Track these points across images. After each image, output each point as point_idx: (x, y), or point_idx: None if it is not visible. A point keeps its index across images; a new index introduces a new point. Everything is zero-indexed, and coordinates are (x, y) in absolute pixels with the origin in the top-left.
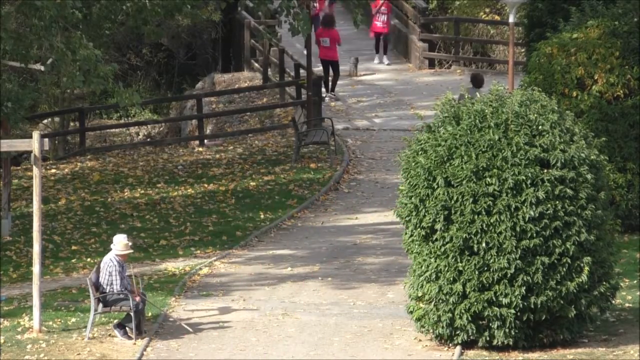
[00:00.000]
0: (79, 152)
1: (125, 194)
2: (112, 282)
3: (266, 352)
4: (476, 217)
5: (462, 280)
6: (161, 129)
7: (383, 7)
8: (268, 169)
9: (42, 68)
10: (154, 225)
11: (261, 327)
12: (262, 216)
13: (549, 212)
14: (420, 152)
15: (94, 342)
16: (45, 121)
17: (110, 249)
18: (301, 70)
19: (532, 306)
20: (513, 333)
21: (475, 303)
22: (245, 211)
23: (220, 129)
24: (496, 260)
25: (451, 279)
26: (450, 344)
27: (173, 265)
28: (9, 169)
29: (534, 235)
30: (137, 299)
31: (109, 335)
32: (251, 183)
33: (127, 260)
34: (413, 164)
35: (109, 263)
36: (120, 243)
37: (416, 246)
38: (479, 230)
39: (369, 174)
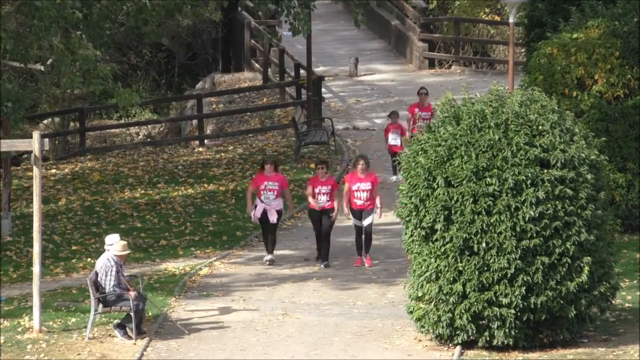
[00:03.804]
0: (79, 152)
1: (126, 194)
2: (107, 282)
3: (266, 352)
4: (476, 217)
5: (462, 280)
6: (161, 129)
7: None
8: None
9: (42, 68)
10: (154, 225)
11: (261, 327)
12: None
13: (549, 212)
14: (420, 152)
15: (94, 342)
16: (45, 121)
17: (105, 250)
18: (301, 71)
19: (532, 306)
20: (513, 333)
21: (475, 303)
22: (245, 211)
23: (221, 129)
24: (496, 260)
25: (451, 279)
26: (450, 344)
27: (173, 265)
28: (9, 169)
29: (534, 235)
30: (133, 294)
31: (109, 335)
32: None
33: (127, 260)
34: (413, 164)
35: (106, 263)
36: (119, 244)
37: (416, 246)
38: (479, 230)
39: None
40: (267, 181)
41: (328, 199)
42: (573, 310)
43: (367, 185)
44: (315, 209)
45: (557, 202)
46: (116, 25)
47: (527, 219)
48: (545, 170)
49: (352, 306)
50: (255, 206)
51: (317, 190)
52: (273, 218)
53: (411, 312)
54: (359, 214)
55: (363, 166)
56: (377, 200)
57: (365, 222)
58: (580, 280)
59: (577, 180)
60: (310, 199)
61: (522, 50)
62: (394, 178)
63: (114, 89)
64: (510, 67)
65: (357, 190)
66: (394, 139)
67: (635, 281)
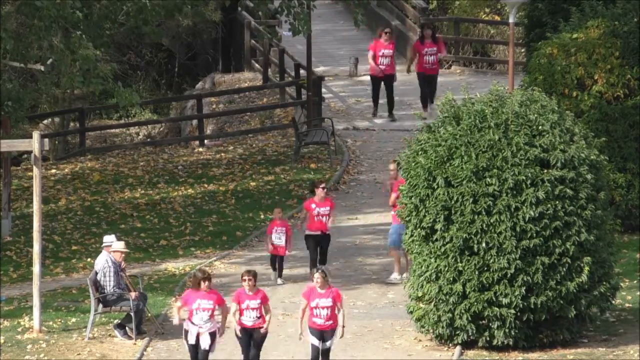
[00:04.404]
0: (79, 152)
1: (126, 194)
2: (107, 283)
3: (266, 352)
4: (476, 217)
5: (462, 280)
6: (161, 129)
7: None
8: (268, 169)
9: (42, 68)
10: (154, 225)
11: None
12: (262, 216)
13: (549, 212)
14: (420, 152)
15: (94, 342)
16: (45, 121)
17: (101, 250)
18: (301, 71)
19: (532, 306)
20: (513, 333)
21: (475, 303)
22: (245, 211)
23: (221, 129)
24: (496, 260)
25: (451, 279)
26: (450, 344)
27: (173, 265)
28: (9, 169)
29: (534, 235)
30: (134, 295)
31: (109, 335)
32: (251, 183)
33: (127, 260)
34: (413, 164)
35: (104, 264)
36: (115, 244)
37: (416, 246)
38: (479, 230)
39: (370, 174)
40: (200, 300)
41: (258, 315)
42: (573, 310)
43: (327, 302)
44: (244, 326)
45: (557, 202)
46: (116, 25)
47: (527, 219)
48: (545, 170)
49: (352, 306)
50: (186, 331)
51: (243, 306)
52: (206, 344)
53: (411, 312)
54: (319, 334)
55: (319, 280)
56: (340, 317)
57: (327, 345)
58: (580, 280)
59: (577, 180)
60: (234, 318)
61: (522, 50)
62: (280, 281)
63: (114, 89)
64: (510, 67)
65: (315, 308)
66: (278, 238)
67: (635, 281)
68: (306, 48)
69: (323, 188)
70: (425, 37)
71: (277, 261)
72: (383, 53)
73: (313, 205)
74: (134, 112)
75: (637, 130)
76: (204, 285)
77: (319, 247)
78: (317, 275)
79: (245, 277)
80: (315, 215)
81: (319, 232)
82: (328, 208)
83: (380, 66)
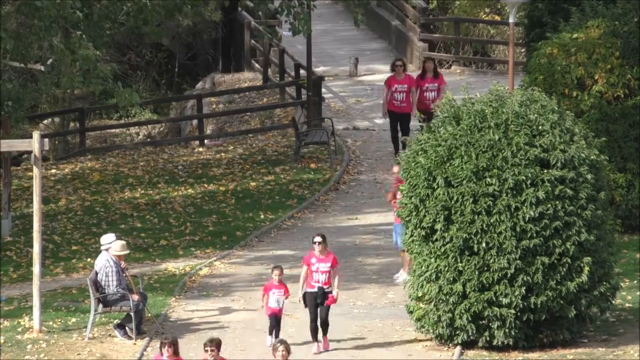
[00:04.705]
0: (79, 152)
1: (126, 194)
2: (109, 283)
3: (266, 352)
4: (476, 217)
5: (462, 280)
6: (161, 129)
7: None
8: (268, 169)
9: (42, 68)
10: (154, 225)
11: (261, 327)
12: (262, 216)
13: (549, 212)
14: (420, 152)
15: (94, 342)
16: (45, 121)
17: (101, 250)
18: (301, 71)
19: (532, 306)
20: (513, 333)
21: (475, 303)
22: (245, 211)
23: (221, 129)
24: (496, 260)
25: (451, 279)
26: (450, 344)
27: (173, 265)
28: (9, 169)
29: (534, 235)
30: (136, 298)
31: (109, 335)
32: (251, 183)
33: (127, 260)
34: (413, 164)
35: (105, 264)
36: (117, 244)
37: (416, 246)
38: (479, 230)
39: (369, 174)
40: None
41: None
42: (573, 310)
43: None
44: None
45: (557, 202)
46: (116, 25)
47: (527, 219)
48: (545, 170)
49: (352, 306)
50: None
51: None
52: None
53: (411, 312)
54: None
55: (284, 354)
56: None
57: None
58: (580, 280)
59: (577, 180)
60: None
61: (522, 50)
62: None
63: (114, 89)
64: (510, 67)
65: None
66: (275, 302)
67: (635, 281)
68: (306, 48)
69: (314, 242)
70: (427, 70)
71: (275, 321)
72: (396, 88)
73: (313, 260)
74: (134, 112)
75: (637, 130)
76: (164, 350)
77: (318, 306)
78: (281, 348)
79: (207, 348)
80: (314, 272)
81: (316, 289)
82: (329, 265)
83: (395, 102)
